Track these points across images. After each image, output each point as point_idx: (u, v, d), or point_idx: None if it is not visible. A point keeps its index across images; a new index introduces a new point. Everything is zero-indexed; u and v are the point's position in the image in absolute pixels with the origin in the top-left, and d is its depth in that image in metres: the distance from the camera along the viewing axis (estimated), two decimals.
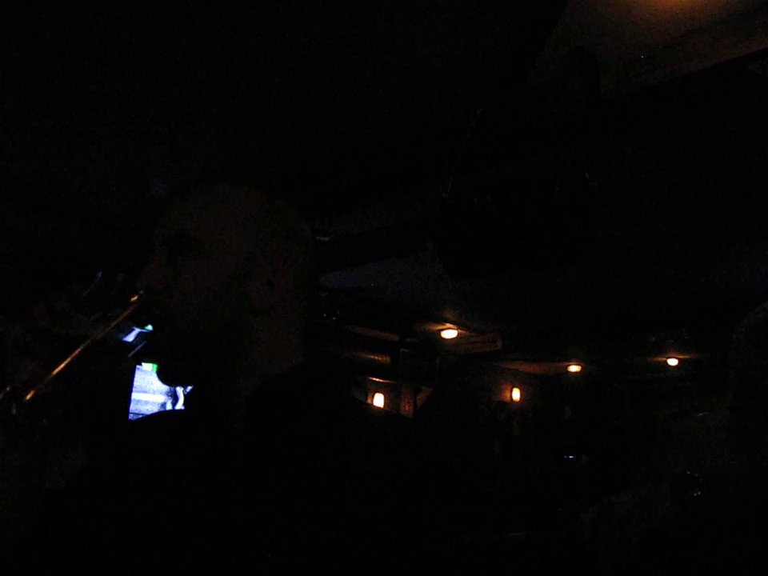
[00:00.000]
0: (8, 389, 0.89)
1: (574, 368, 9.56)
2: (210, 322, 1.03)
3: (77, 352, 0.92)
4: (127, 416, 5.65)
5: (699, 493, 1.57)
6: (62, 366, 0.91)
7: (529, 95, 2.79)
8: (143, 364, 5.67)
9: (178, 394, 6.01)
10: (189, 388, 1.13)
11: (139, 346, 1.00)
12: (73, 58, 2.69)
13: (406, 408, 8.09)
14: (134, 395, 5.79)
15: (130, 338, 0.99)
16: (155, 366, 1.07)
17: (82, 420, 3.90)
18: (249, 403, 1.04)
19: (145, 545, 1.02)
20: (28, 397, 0.89)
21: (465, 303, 6.35)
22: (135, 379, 5.82)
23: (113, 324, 0.96)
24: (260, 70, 2.76)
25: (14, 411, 0.89)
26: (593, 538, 1.55)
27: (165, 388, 5.71)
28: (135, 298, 0.99)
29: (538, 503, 7.59)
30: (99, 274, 0.99)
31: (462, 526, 1.02)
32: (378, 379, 7.60)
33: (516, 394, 9.57)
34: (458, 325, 7.22)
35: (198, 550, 0.98)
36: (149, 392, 5.75)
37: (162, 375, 1.06)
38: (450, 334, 7.40)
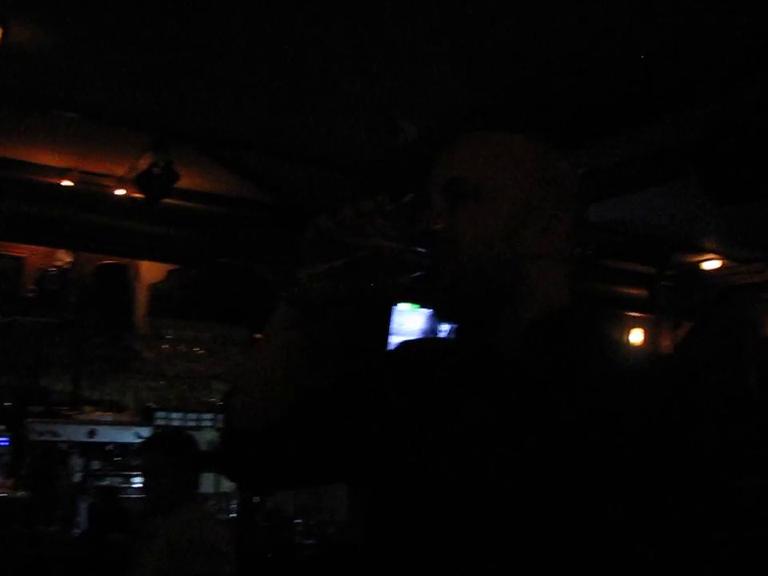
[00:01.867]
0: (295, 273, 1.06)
1: None
2: (486, 265, 1.07)
3: (363, 253, 1.01)
4: None
5: None
6: (344, 261, 1.01)
7: None
8: (399, 304, 5.87)
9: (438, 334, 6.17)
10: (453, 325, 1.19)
11: (414, 274, 1.05)
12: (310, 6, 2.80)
13: (666, 343, 7.85)
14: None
15: (411, 260, 1.04)
16: (414, 306, 1.13)
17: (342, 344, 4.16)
18: (527, 334, 1.07)
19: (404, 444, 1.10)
20: (304, 274, 1.05)
21: (729, 231, 5.97)
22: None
23: (404, 239, 1.03)
24: (498, 8, 2.73)
25: (296, 289, 1.07)
26: None
27: (418, 329, 5.88)
28: (435, 225, 1.06)
29: None
30: (411, 195, 1.06)
31: (729, 468, 1.00)
32: (635, 314, 7.41)
33: None
34: (720, 254, 6.81)
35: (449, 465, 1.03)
36: (401, 334, 5.95)
37: (436, 312, 1.12)
38: (712, 264, 6.99)
